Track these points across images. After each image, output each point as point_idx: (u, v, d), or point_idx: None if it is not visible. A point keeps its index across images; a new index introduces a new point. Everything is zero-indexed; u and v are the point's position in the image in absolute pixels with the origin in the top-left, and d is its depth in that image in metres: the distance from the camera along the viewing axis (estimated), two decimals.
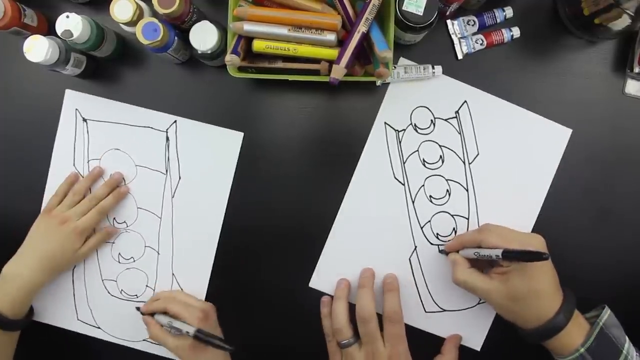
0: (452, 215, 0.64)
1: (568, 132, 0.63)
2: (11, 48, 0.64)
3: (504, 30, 0.62)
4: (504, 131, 0.63)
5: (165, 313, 0.62)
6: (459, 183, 0.64)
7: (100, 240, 0.65)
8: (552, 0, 0.64)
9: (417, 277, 0.64)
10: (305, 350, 0.65)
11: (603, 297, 0.58)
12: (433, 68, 0.62)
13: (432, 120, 0.64)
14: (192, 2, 0.59)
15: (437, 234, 0.64)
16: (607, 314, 0.54)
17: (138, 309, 0.64)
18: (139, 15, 0.57)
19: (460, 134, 0.63)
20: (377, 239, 0.64)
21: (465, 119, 0.63)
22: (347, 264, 0.64)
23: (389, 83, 0.64)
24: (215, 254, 0.66)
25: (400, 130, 0.64)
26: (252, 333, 0.66)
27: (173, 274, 0.66)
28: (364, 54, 0.58)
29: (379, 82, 0.62)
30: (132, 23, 0.56)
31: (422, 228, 0.64)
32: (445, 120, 0.64)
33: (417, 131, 0.64)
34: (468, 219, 0.64)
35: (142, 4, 0.59)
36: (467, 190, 0.63)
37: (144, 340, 0.66)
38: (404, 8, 0.55)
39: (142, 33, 0.55)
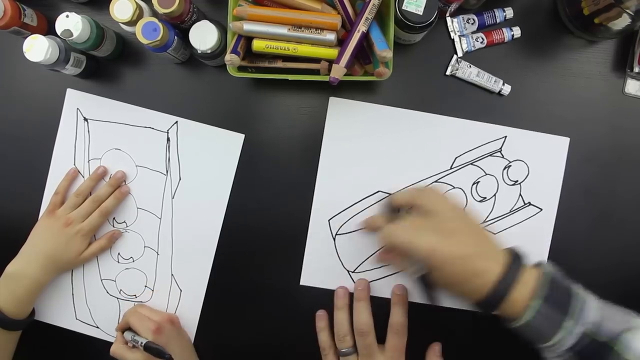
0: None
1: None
2: (11, 48, 0.65)
3: (504, 30, 0.62)
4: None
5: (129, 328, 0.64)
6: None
7: (103, 246, 0.65)
8: (552, 0, 0.64)
9: None
10: (305, 349, 0.64)
11: (604, 298, 0.57)
12: (503, 85, 0.62)
13: None
14: (192, 2, 0.59)
15: None
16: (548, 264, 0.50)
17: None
18: (139, 14, 0.57)
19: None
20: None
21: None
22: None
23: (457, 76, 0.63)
24: (215, 254, 0.65)
25: None
26: (252, 333, 0.66)
27: (172, 275, 0.66)
28: (364, 54, 0.58)
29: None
30: (132, 23, 0.56)
31: None
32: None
33: None
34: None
35: (142, 4, 0.59)
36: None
37: None
38: (403, 8, 0.55)
39: (142, 33, 0.55)
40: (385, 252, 0.62)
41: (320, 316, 0.64)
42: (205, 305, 0.66)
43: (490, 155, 0.63)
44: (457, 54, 0.63)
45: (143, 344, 0.59)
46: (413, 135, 0.63)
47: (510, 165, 0.63)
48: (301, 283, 0.65)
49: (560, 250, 0.63)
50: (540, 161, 0.63)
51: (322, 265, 0.64)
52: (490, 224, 0.63)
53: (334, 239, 0.64)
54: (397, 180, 0.63)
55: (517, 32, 0.63)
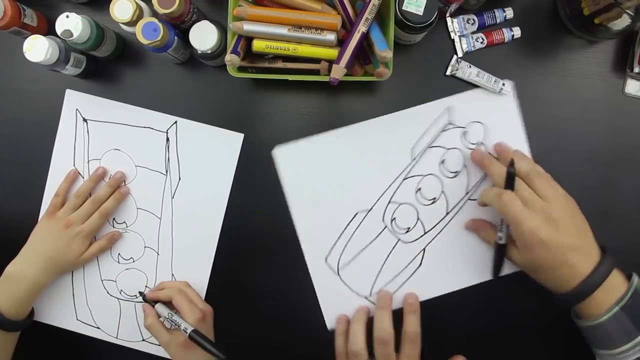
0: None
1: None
2: (11, 48, 0.65)
3: (504, 30, 0.63)
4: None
5: (167, 303, 0.62)
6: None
7: (103, 247, 0.65)
8: (552, 0, 0.64)
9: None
10: (306, 351, 0.65)
11: None
12: (503, 85, 0.62)
13: None
14: (192, 2, 0.59)
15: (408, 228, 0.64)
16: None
17: (142, 293, 0.64)
18: (139, 15, 0.57)
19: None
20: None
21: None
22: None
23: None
24: (215, 254, 0.65)
25: None
26: (252, 333, 0.66)
27: (172, 275, 0.66)
28: (364, 54, 0.58)
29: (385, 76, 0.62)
30: (132, 23, 0.56)
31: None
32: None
33: None
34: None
35: (142, 4, 0.59)
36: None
37: (143, 340, 0.66)
38: (404, 8, 0.55)
39: (142, 33, 0.55)
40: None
41: (341, 319, 0.63)
42: None
43: (443, 130, 0.63)
44: (457, 54, 0.63)
45: (188, 331, 0.57)
46: (365, 147, 0.64)
47: (466, 131, 0.63)
48: (329, 327, 0.64)
49: None
50: (491, 114, 0.62)
51: (338, 302, 0.64)
52: (474, 191, 0.63)
53: (339, 275, 0.64)
54: (369, 195, 0.64)
55: (517, 32, 0.63)
